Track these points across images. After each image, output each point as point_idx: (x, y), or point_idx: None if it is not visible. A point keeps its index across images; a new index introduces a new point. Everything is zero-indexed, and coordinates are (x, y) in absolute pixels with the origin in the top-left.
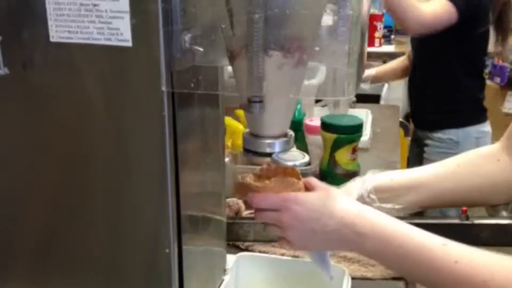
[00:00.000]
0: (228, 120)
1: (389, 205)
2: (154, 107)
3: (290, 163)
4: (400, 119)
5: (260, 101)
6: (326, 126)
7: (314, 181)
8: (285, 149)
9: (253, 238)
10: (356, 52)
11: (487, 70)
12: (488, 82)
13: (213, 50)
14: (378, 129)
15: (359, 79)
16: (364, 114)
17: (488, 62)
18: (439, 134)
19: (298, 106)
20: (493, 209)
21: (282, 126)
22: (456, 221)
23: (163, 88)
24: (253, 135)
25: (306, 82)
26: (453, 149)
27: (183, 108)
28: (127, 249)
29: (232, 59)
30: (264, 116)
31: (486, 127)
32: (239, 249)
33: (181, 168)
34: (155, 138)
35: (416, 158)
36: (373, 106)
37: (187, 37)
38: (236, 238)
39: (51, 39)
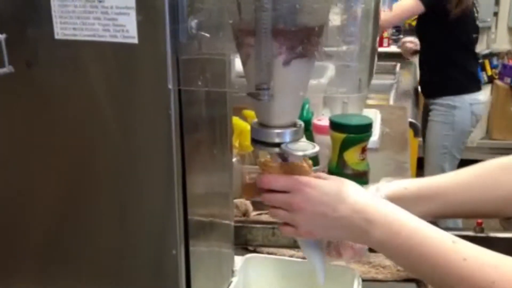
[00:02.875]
0: (236, 120)
1: None
2: (160, 105)
3: (299, 153)
4: (410, 119)
5: (269, 88)
6: (335, 125)
7: (324, 175)
8: (294, 139)
9: (261, 243)
10: (368, 48)
11: (497, 71)
12: (498, 82)
13: (221, 36)
14: (387, 129)
15: (371, 74)
16: (372, 114)
17: (498, 62)
18: (439, 100)
19: (306, 106)
20: (507, 222)
21: (291, 115)
22: (470, 233)
23: (170, 86)
24: (262, 125)
25: (315, 81)
26: (451, 112)
27: (190, 107)
28: (134, 250)
29: (239, 46)
30: (273, 104)
31: (480, 95)
32: (247, 250)
33: (188, 168)
34: (161, 137)
35: (425, 122)
36: (382, 107)
37: (194, 22)
38: (244, 242)
39: (56, 36)
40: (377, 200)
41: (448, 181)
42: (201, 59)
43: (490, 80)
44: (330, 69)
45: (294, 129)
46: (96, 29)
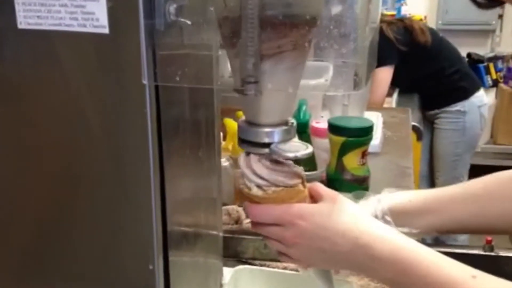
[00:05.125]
0: (229, 122)
1: (405, 229)
2: (135, 103)
3: (291, 155)
4: (413, 123)
5: (256, 82)
6: (333, 128)
7: (319, 187)
8: (285, 139)
9: (252, 255)
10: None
11: (501, 74)
12: (503, 86)
13: (204, 25)
14: (389, 133)
15: (370, 71)
16: (374, 117)
17: (503, 65)
18: (447, 108)
19: (304, 107)
20: None
21: (282, 112)
22: (479, 252)
23: (145, 81)
24: (249, 123)
25: (313, 82)
26: (462, 118)
27: (170, 106)
28: (109, 265)
29: (224, 36)
30: (261, 100)
31: (483, 95)
32: (238, 261)
33: (168, 173)
34: (137, 138)
35: (427, 132)
36: (383, 109)
37: (172, 7)
38: (234, 254)
39: (19, 26)
40: (382, 231)
41: (455, 193)
42: (182, 51)
43: (495, 83)
44: (330, 69)
45: (285, 127)
46: (63, 18)
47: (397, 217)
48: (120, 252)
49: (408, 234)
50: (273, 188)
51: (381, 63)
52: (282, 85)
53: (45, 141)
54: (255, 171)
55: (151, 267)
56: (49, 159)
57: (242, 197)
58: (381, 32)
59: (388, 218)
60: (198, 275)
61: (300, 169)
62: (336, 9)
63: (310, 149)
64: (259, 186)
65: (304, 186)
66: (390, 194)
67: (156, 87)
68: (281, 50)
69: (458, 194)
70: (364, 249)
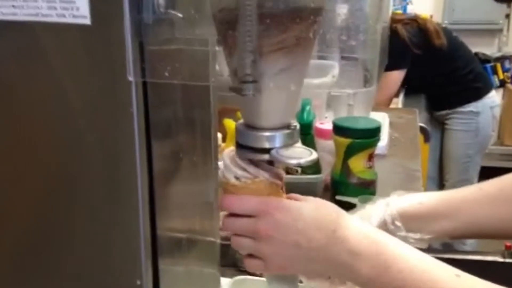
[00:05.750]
0: (229, 122)
1: (417, 235)
2: (120, 101)
3: (293, 162)
4: (420, 124)
5: (254, 81)
6: (339, 129)
7: (302, 196)
8: (287, 144)
9: None
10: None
11: (509, 74)
12: (510, 86)
13: (198, 18)
14: (396, 134)
15: (381, 68)
16: (380, 118)
17: (510, 65)
18: (460, 109)
19: (308, 108)
20: None
21: (284, 114)
22: (497, 258)
23: (130, 78)
24: (248, 126)
25: (318, 81)
26: (474, 119)
27: (160, 105)
28: (94, 280)
29: (220, 30)
30: (260, 101)
31: (495, 96)
32: (237, 270)
33: (157, 177)
34: (123, 139)
35: (435, 133)
36: (390, 110)
37: None
38: (232, 263)
39: None
40: (362, 226)
41: (469, 194)
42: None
43: (502, 84)
44: (335, 67)
45: (287, 131)
46: (40, 7)
47: (407, 222)
48: (102, 265)
49: (419, 240)
50: (252, 179)
51: (393, 66)
52: (284, 84)
53: (28, 137)
54: (237, 161)
55: (138, 282)
56: (31, 156)
57: (222, 191)
58: (396, 33)
59: (398, 223)
60: (192, 285)
61: (282, 172)
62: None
63: (314, 155)
64: (237, 178)
65: (283, 191)
66: (399, 197)
67: (145, 85)
68: (282, 46)
69: (473, 195)
70: (341, 242)
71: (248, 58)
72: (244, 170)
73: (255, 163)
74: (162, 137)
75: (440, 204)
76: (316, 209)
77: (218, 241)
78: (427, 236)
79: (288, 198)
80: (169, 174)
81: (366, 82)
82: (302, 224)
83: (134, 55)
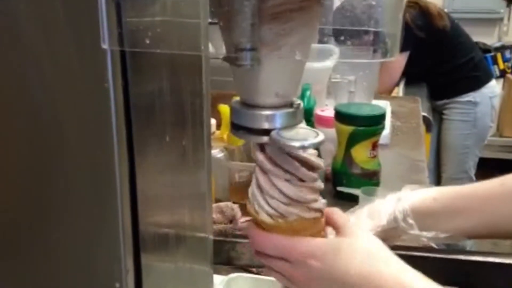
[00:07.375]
0: (224, 108)
1: (431, 233)
2: (93, 74)
3: (296, 144)
4: (423, 113)
5: (253, 49)
6: (341, 116)
7: (339, 217)
8: (290, 125)
9: (249, 262)
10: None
11: (509, 64)
12: (510, 76)
13: None
14: (398, 123)
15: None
16: (383, 106)
17: (511, 55)
18: (458, 98)
19: (308, 93)
20: None
21: (285, 90)
22: None
23: (105, 45)
24: (245, 104)
25: (319, 64)
26: (472, 109)
27: (142, 81)
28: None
29: None
30: (259, 73)
31: (495, 87)
32: (231, 268)
33: (139, 164)
34: (99, 118)
35: (435, 123)
36: (391, 99)
37: None
38: (226, 260)
39: None
40: (394, 269)
41: (490, 189)
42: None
43: (502, 74)
44: (336, 51)
45: (289, 110)
46: None
47: (421, 219)
48: (77, 266)
49: (433, 239)
50: (285, 219)
51: None
52: (286, 54)
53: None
54: (267, 192)
55: (117, 285)
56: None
57: (241, 191)
58: None
59: (411, 221)
60: (181, 284)
61: (322, 201)
62: None
63: (320, 136)
64: (269, 215)
65: (322, 215)
66: (412, 191)
67: (123, 56)
68: (285, 8)
69: (494, 191)
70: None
71: (247, 21)
72: (275, 210)
73: (293, 184)
74: (144, 117)
75: (457, 200)
76: (350, 250)
77: (211, 237)
78: (442, 235)
79: (327, 217)
80: (153, 159)
81: (387, 52)
82: (337, 272)
83: (109, 18)
